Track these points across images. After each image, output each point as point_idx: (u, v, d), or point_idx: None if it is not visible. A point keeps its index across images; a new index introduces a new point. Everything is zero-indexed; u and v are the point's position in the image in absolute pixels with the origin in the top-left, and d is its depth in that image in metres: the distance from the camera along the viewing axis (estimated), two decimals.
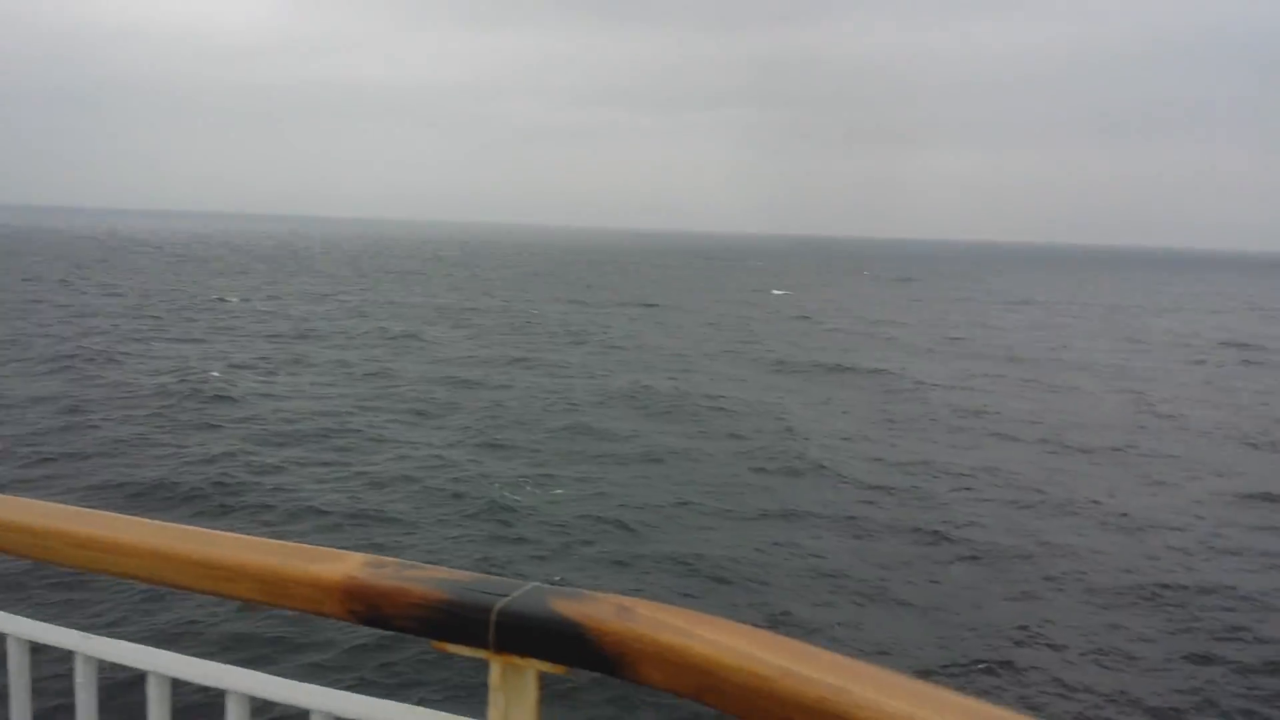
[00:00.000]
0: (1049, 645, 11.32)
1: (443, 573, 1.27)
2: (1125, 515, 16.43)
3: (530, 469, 17.80)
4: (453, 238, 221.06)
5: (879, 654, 10.81)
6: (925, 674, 10.33)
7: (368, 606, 1.26)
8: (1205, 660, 11.12)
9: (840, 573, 13.10)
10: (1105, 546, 14.82)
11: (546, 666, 1.20)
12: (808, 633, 11.05)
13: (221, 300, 47.62)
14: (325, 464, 17.53)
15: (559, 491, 16.32)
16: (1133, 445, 21.85)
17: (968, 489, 17.63)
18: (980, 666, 10.65)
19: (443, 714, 1.35)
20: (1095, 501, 17.11)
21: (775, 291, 73.10)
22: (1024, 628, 11.69)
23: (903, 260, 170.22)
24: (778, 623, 11.33)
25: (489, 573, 1.33)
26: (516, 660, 1.21)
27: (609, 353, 34.75)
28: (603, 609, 1.16)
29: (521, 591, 1.21)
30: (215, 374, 25.94)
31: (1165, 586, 13.20)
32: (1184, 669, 10.91)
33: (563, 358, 32.65)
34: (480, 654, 1.21)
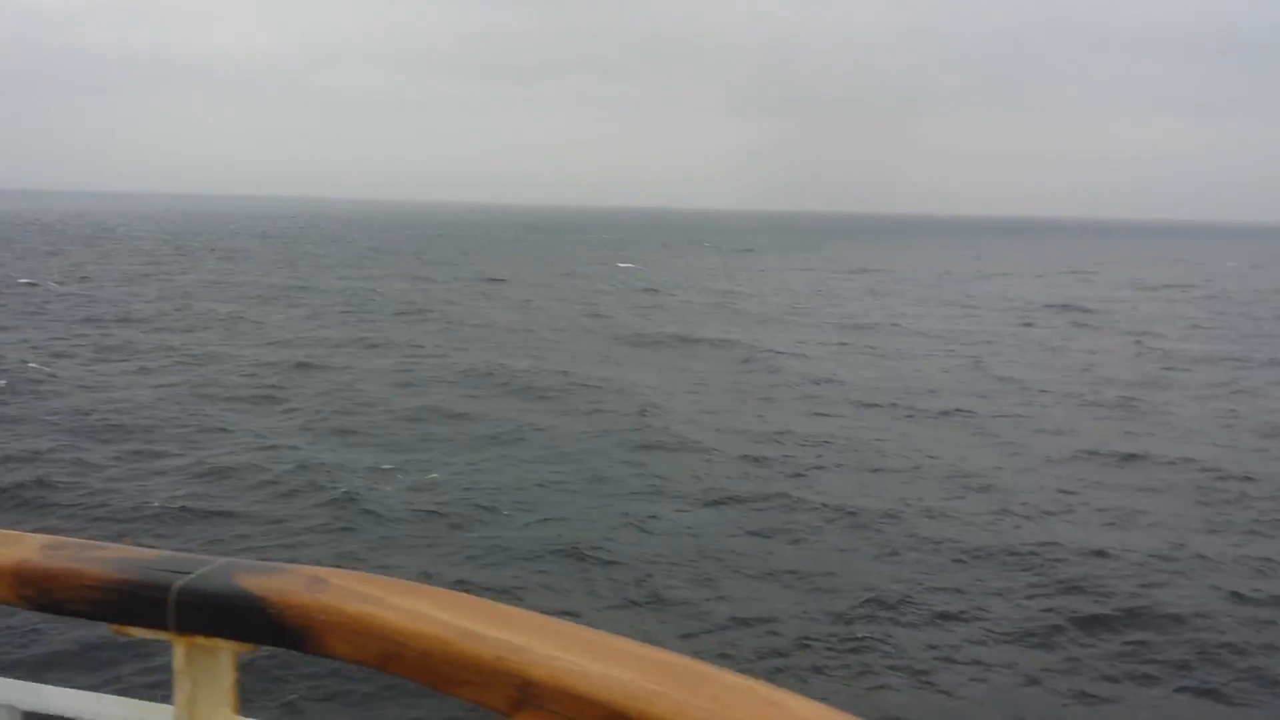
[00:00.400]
0: (919, 604, 11.42)
1: (124, 551, 1.22)
2: (977, 476, 16.89)
3: (385, 454, 17.02)
4: (283, 213, 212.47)
5: (760, 622, 10.70)
6: (806, 640, 10.31)
7: (39, 591, 1.20)
8: (1061, 612, 11.40)
9: (716, 545, 12.96)
10: (961, 506, 15.16)
11: (235, 646, 1.15)
12: (693, 610, 10.85)
13: (31, 284, 44.13)
14: (160, 456, 16.32)
15: (433, 475, 15.69)
16: (975, 408, 22.59)
17: (828, 456, 17.83)
18: (859, 633, 10.64)
19: (132, 700, 1.27)
20: (949, 464, 17.55)
21: (621, 264, 73.07)
22: (894, 589, 11.78)
23: (743, 231, 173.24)
24: (661, 601, 11.10)
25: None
26: (202, 641, 1.15)
27: (457, 330, 33.89)
28: (292, 581, 1.12)
29: (208, 568, 1.16)
30: (32, 364, 23.92)
31: (1021, 543, 13.53)
32: (1043, 620, 11.17)
33: (409, 337, 31.61)
34: (161, 636, 1.15)
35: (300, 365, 25.42)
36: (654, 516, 13.98)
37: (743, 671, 0.93)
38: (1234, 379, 27.03)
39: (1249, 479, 16.71)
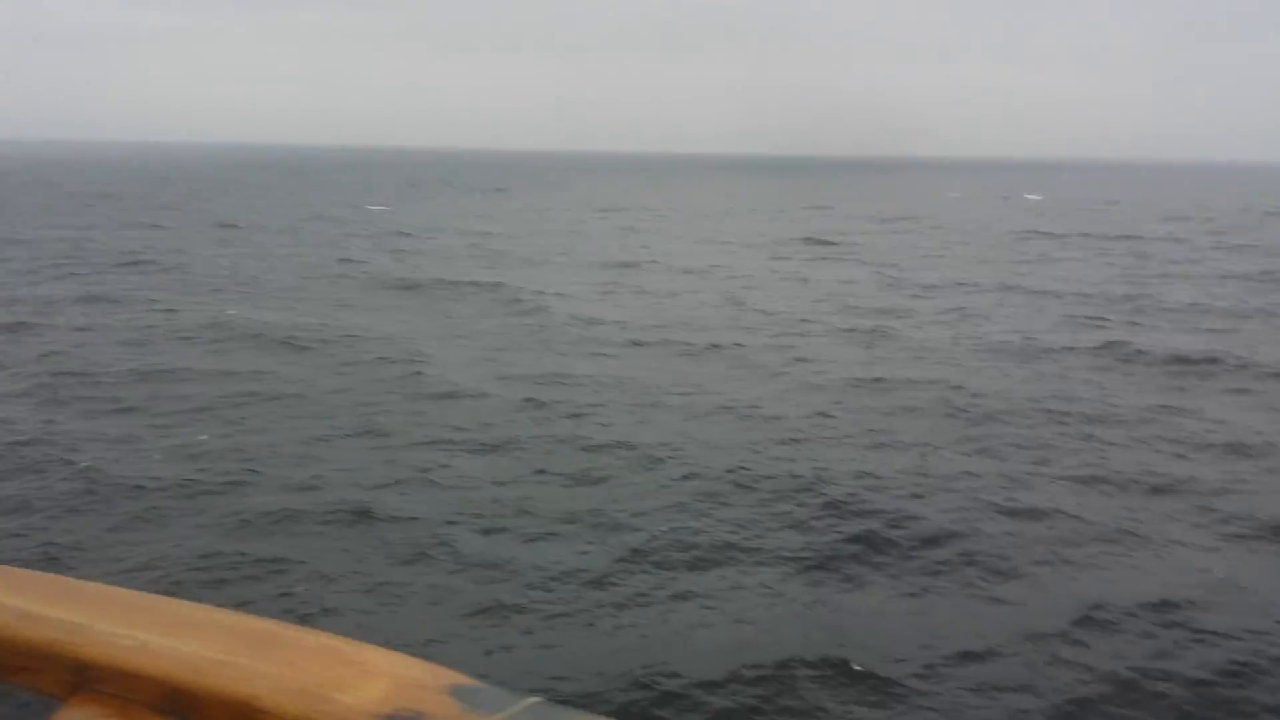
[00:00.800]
0: (709, 535, 11.57)
1: None
2: (749, 406, 17.38)
3: (131, 419, 15.59)
4: None
5: (556, 564, 10.52)
6: (607, 581, 10.26)
7: None
8: (839, 532, 11.84)
9: (510, 492, 12.69)
10: (737, 437, 15.51)
11: None
12: (493, 561, 10.53)
13: None
14: None
15: (201, 438, 14.41)
16: (740, 340, 23.28)
17: (608, 395, 17.87)
18: (655, 570, 10.69)
19: None
20: (723, 396, 18.00)
21: (371, 206, 70.33)
22: (685, 523, 11.91)
23: (496, 170, 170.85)
24: (461, 556, 10.70)
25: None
26: None
27: (194, 280, 31.53)
28: None
29: None
30: None
31: (796, 469, 13.98)
32: (823, 541, 11.57)
33: (140, 290, 29.06)
34: None
35: (17, 325, 22.83)
36: (444, 466, 13.53)
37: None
38: (965, 304, 29.22)
39: (990, 396, 18.08)
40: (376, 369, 19.42)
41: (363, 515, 11.61)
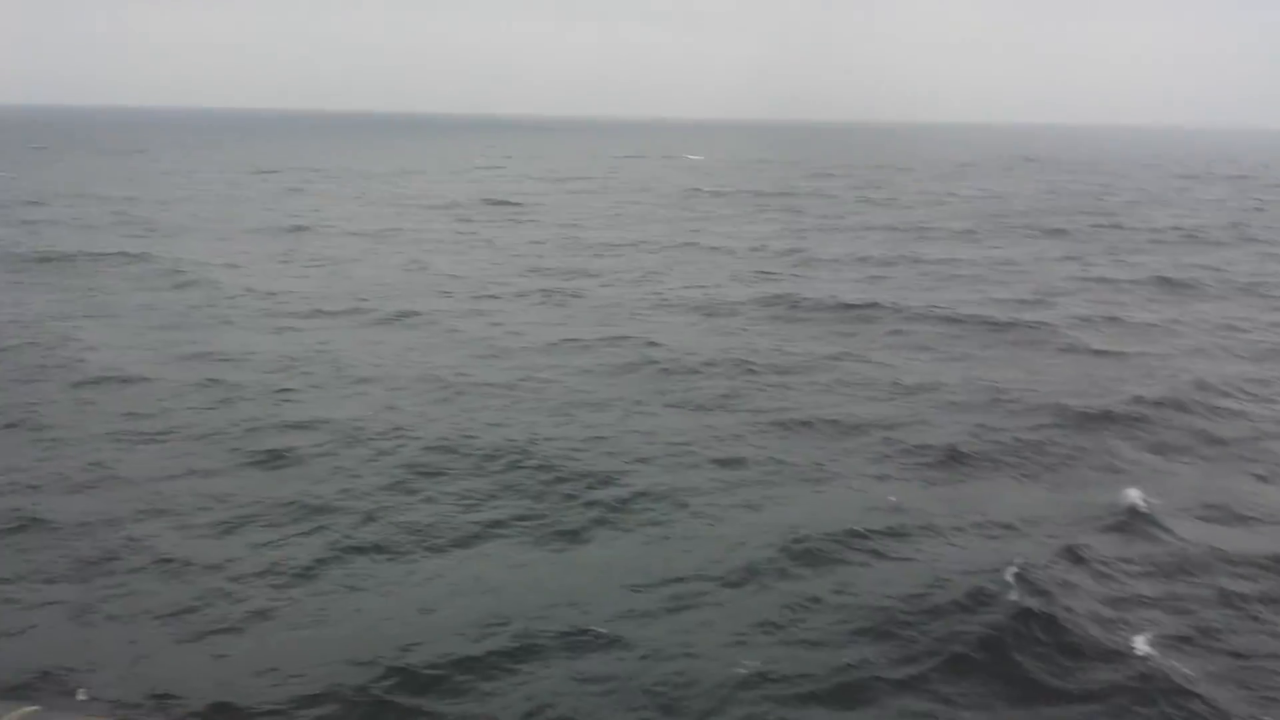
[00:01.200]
0: (422, 510, 11.24)
1: None
2: (452, 374, 16.99)
3: None
4: None
5: (251, 558, 9.80)
6: (317, 566, 9.67)
7: None
8: (559, 494, 11.86)
9: (197, 484, 11.65)
10: (436, 410, 14.97)
11: None
12: (189, 559, 9.59)
13: None
14: None
15: None
16: (435, 307, 22.69)
17: (301, 371, 16.87)
18: (359, 552, 10.23)
19: None
20: (422, 365, 17.51)
21: None
22: (394, 499, 11.51)
23: (125, 128, 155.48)
24: (164, 557, 9.64)
25: None
26: None
27: None
28: None
29: None
30: None
31: (509, 436, 13.79)
32: (544, 506, 11.54)
33: None
34: None
35: None
36: (121, 459, 12.19)
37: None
38: (646, 262, 30.14)
39: (682, 350, 18.68)
40: (22, 354, 17.15)
41: (33, 521, 10.21)
